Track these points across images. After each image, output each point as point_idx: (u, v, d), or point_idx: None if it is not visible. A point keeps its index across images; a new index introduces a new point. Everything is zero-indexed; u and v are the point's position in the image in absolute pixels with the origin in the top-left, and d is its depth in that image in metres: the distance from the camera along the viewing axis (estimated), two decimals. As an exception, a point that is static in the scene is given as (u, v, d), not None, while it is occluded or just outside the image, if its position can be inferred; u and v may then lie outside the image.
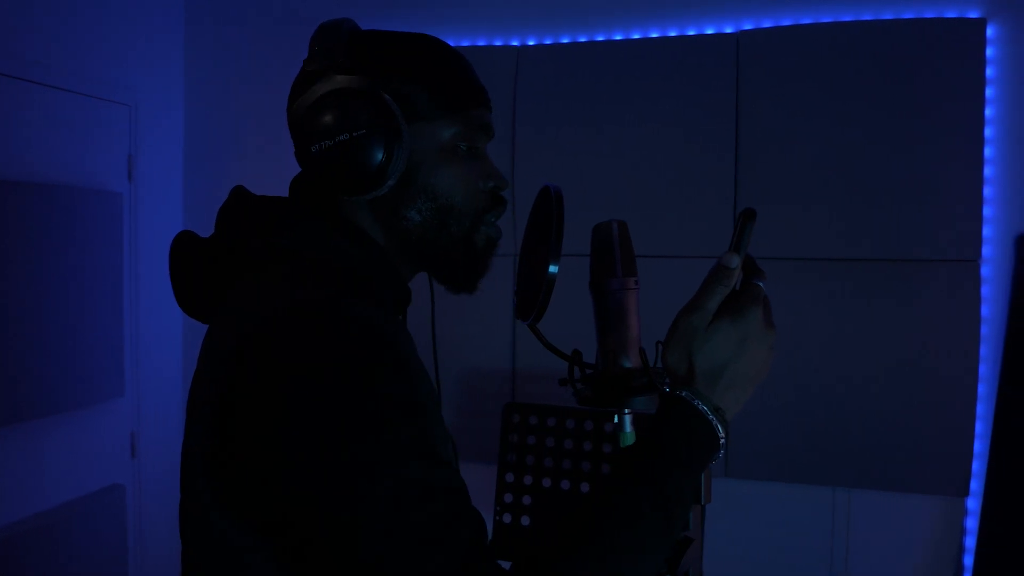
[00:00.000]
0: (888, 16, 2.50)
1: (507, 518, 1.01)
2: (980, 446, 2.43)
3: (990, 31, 2.41)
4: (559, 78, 2.76)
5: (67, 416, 2.71)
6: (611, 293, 0.89)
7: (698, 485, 0.95)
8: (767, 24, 2.62)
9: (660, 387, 0.85)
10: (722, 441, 0.78)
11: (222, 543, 0.76)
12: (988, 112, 2.42)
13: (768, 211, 2.07)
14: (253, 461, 0.71)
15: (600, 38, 2.80)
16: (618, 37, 2.78)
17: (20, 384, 2.49)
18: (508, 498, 1.01)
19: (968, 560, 2.47)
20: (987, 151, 2.42)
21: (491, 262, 0.95)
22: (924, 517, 2.52)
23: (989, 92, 2.42)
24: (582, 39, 2.82)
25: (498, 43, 2.89)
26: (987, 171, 2.43)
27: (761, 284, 0.81)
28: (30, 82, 2.57)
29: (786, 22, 2.60)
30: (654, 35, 2.74)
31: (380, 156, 0.83)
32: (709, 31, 2.69)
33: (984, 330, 2.43)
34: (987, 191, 2.43)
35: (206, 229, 0.91)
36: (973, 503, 2.46)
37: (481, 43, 2.90)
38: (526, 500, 1.00)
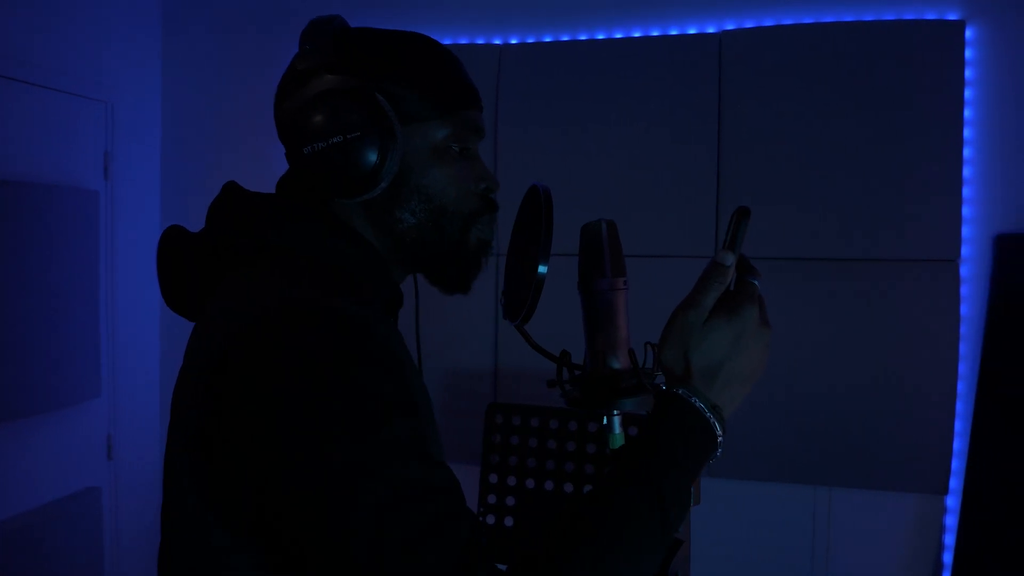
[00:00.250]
0: (869, 17, 2.52)
1: (491, 519, 1.00)
2: (959, 444, 2.45)
3: (969, 33, 2.43)
4: (542, 77, 2.75)
5: (42, 418, 2.66)
6: (600, 293, 0.88)
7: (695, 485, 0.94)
8: (749, 24, 2.63)
9: (650, 388, 0.84)
10: (720, 439, 0.77)
11: (207, 544, 0.74)
12: (967, 113, 2.44)
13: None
14: (244, 461, 0.70)
15: (583, 37, 2.80)
16: (601, 36, 2.78)
17: (-7, 385, 2.44)
18: (492, 499, 1.01)
19: (947, 557, 2.49)
20: (966, 151, 2.45)
21: (484, 262, 0.94)
22: (904, 515, 2.54)
23: (968, 93, 2.44)
24: (565, 38, 2.81)
25: (480, 41, 2.88)
26: (966, 171, 2.45)
27: (756, 283, 0.80)
28: (4, 78, 2.52)
29: (768, 23, 2.61)
30: (637, 35, 2.74)
31: (374, 158, 0.82)
32: (692, 31, 2.69)
33: (963, 329, 2.46)
34: (966, 191, 2.45)
35: (183, 227, 0.90)
36: (952, 501, 2.48)
37: (463, 41, 2.89)
38: (510, 501, 0.99)
